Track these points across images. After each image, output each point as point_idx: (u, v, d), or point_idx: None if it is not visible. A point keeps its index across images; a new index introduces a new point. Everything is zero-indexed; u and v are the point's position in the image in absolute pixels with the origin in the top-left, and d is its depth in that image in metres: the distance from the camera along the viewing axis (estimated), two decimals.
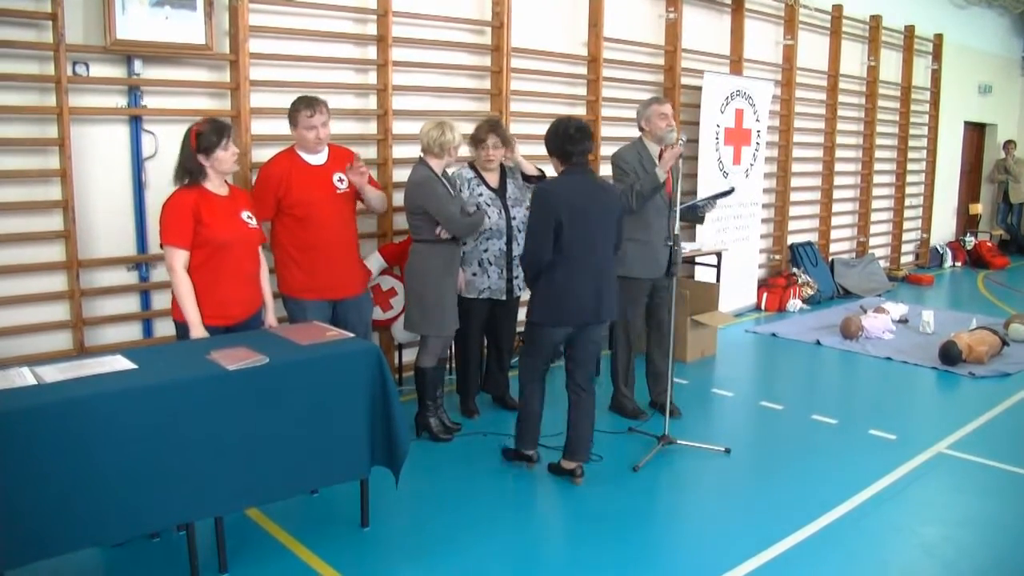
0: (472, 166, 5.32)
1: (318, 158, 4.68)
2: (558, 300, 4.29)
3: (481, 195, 5.20)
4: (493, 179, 5.30)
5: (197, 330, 3.92)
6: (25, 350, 4.59)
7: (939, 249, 12.87)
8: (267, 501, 3.82)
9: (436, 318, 4.91)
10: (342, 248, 4.75)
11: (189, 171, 3.97)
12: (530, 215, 4.38)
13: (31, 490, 2.91)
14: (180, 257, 3.92)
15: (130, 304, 5.05)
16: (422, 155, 4.95)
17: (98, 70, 4.74)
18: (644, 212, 5.17)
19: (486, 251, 5.22)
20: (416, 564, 3.67)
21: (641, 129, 5.39)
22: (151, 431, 3.16)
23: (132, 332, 5.06)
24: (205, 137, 3.96)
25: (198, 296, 3.97)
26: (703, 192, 4.99)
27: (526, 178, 5.38)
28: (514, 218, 5.27)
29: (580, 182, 4.36)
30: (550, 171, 5.22)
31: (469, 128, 5.39)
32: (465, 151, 5.40)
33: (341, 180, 4.73)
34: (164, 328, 5.07)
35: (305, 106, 4.54)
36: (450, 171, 5.12)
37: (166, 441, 3.20)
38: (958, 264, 12.85)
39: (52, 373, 3.23)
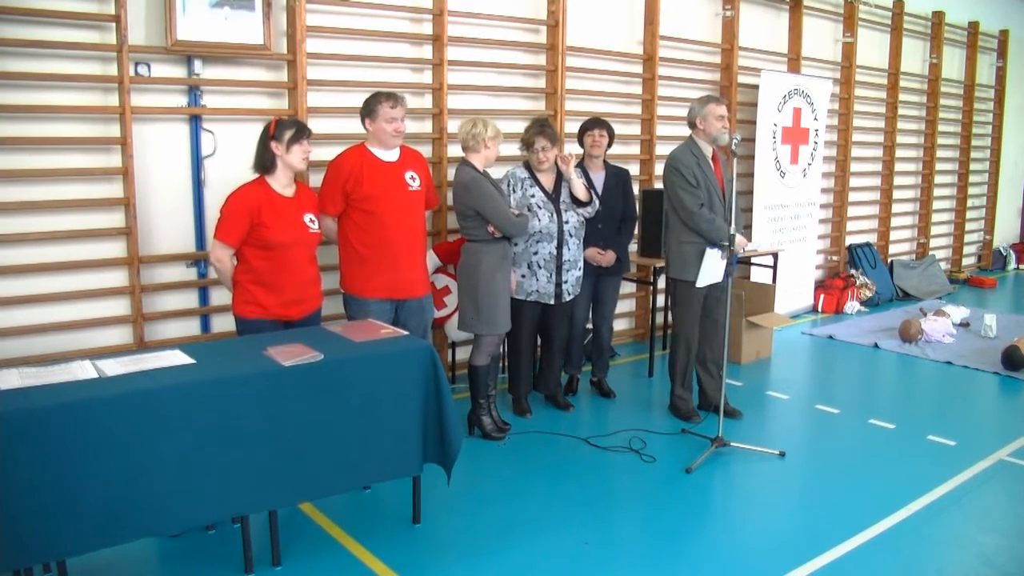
0: (527, 166, 5.28)
1: (390, 155, 4.60)
2: None
3: (533, 196, 5.14)
4: (548, 181, 5.22)
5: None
6: (87, 344, 4.70)
7: (1002, 251, 12.56)
8: (320, 496, 3.86)
9: (489, 316, 4.91)
10: (410, 247, 4.65)
11: (263, 161, 4.10)
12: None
13: (91, 480, 2.98)
14: (226, 253, 4.10)
15: (189, 300, 5.13)
16: (464, 154, 4.94)
17: (159, 70, 4.82)
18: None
19: (536, 254, 5.17)
20: (467, 561, 3.68)
21: (692, 126, 5.23)
22: (208, 425, 3.22)
23: (190, 327, 5.15)
24: (283, 127, 4.09)
25: (257, 291, 4.12)
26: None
27: (576, 200, 5.21)
28: (567, 222, 5.19)
29: None
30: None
31: (523, 127, 5.37)
32: (514, 150, 5.45)
33: (413, 178, 4.66)
34: (221, 324, 5.16)
35: (386, 97, 4.51)
36: (499, 171, 5.08)
37: (222, 435, 3.26)
38: (1022, 266, 12.56)
39: (113, 367, 3.30)
